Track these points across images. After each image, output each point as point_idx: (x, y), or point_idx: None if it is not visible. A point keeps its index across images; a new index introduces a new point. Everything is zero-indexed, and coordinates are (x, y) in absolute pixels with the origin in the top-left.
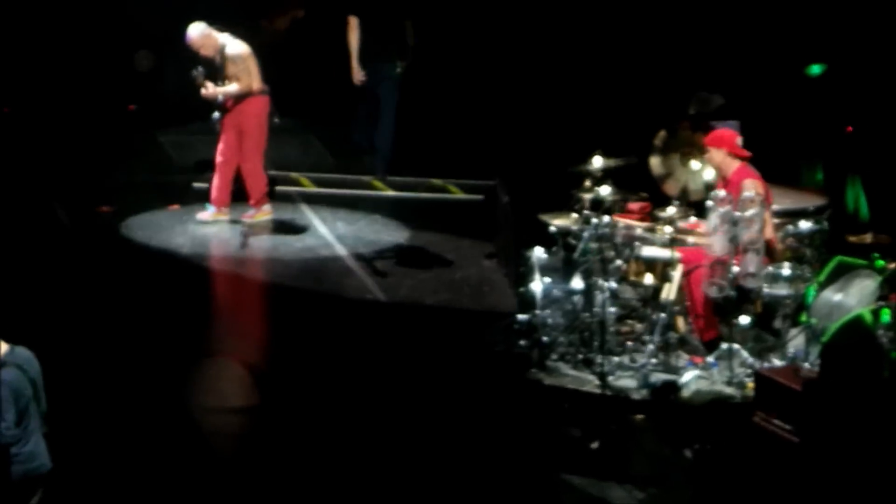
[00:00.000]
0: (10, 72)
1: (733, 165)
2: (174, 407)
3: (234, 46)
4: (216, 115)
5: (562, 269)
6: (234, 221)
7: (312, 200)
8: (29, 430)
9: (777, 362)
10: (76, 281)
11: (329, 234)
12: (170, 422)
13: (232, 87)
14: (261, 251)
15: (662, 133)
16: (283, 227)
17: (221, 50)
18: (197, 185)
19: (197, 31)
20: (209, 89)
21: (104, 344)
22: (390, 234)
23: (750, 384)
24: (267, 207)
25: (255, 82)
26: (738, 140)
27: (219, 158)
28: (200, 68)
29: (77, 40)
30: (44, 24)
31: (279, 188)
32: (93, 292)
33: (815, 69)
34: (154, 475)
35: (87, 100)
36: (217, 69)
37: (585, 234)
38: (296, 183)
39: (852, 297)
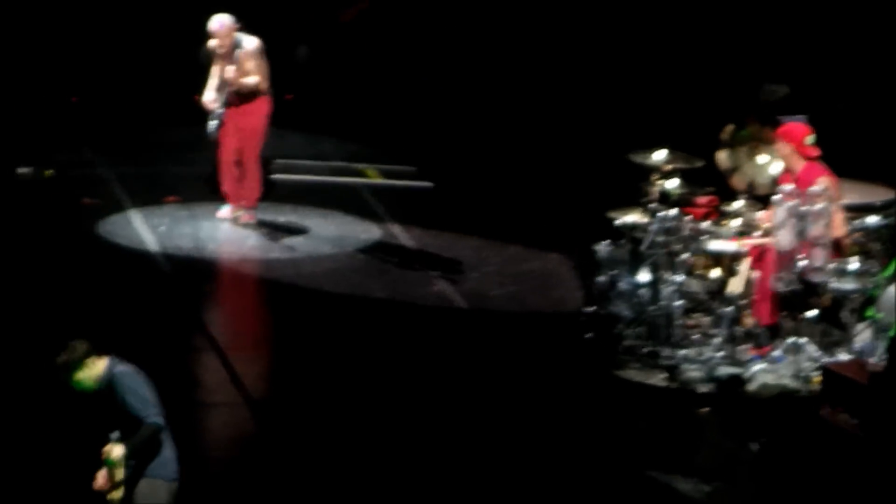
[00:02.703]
0: (79, 60)
1: (800, 163)
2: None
3: (252, 41)
4: (213, 124)
5: (629, 263)
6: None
7: (380, 193)
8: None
9: (844, 357)
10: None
11: (395, 225)
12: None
13: (252, 80)
14: (325, 243)
15: (730, 127)
16: (348, 219)
17: (238, 44)
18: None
19: (229, 20)
20: (213, 98)
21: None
22: (454, 225)
23: (816, 378)
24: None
25: (266, 80)
26: (810, 138)
27: (231, 157)
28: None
29: (144, 28)
30: (112, 14)
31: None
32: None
33: None
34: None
35: (152, 89)
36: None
37: (652, 228)
38: (362, 174)
39: None
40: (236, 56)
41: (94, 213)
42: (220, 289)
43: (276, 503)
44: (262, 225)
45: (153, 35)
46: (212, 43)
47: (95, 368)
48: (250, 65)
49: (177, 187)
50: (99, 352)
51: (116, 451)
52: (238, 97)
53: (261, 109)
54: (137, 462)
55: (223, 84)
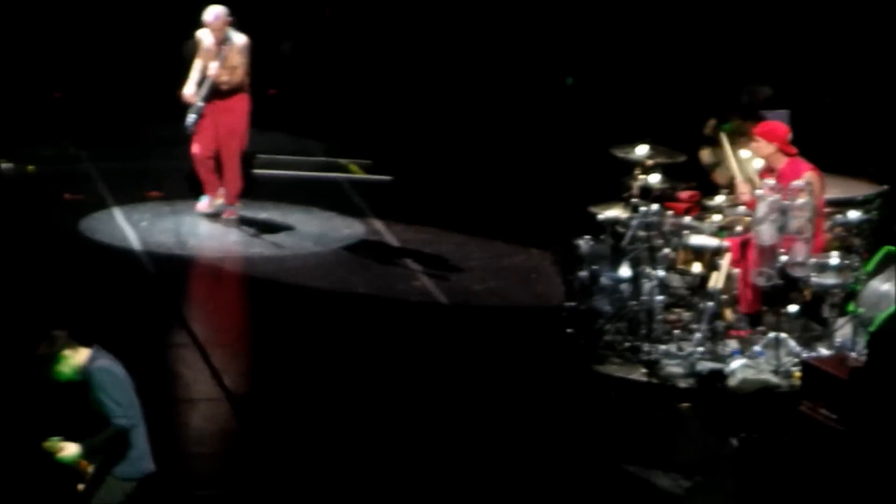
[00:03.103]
0: (61, 56)
1: (783, 160)
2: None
3: (241, 38)
4: (192, 117)
5: (610, 257)
6: (217, 215)
7: (363, 187)
8: (138, 426)
9: (824, 351)
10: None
11: (377, 220)
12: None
13: (235, 76)
14: (307, 239)
15: (712, 122)
16: (331, 214)
17: (227, 39)
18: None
19: (224, 13)
20: (193, 91)
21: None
22: (437, 220)
23: (796, 373)
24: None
25: (248, 78)
26: (789, 135)
27: (205, 153)
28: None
29: (126, 23)
30: (95, 9)
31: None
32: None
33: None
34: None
35: (135, 85)
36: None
37: (634, 223)
38: (344, 169)
39: None
40: (223, 50)
41: (75, 208)
42: (202, 285)
43: (256, 498)
44: (244, 221)
45: (136, 30)
46: (199, 34)
47: (76, 358)
48: (236, 60)
49: (159, 183)
50: (81, 342)
51: (71, 449)
52: (219, 92)
53: (241, 107)
54: (104, 459)
55: (204, 78)
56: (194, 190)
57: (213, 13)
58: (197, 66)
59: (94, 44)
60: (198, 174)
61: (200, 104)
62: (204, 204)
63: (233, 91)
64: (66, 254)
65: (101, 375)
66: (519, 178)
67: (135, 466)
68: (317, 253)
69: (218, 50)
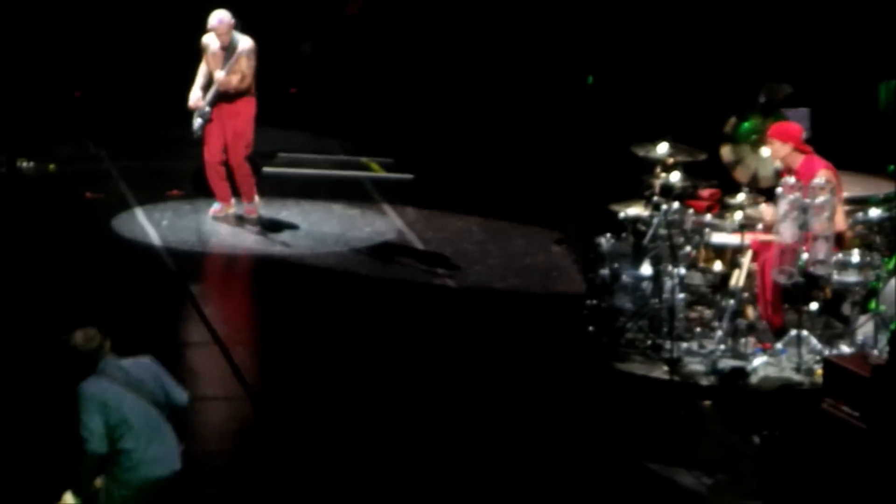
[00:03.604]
0: (82, 55)
1: (799, 158)
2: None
3: (247, 41)
4: (199, 121)
5: (631, 255)
6: (239, 217)
7: (383, 185)
8: (130, 441)
9: (846, 349)
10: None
11: (398, 219)
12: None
13: (243, 81)
14: (327, 237)
15: (733, 120)
16: (352, 213)
17: (234, 43)
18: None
19: (228, 17)
20: (198, 96)
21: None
22: (458, 219)
23: (818, 371)
24: (257, 199)
25: (254, 81)
26: (804, 134)
27: (216, 158)
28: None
29: (147, 22)
30: (116, 8)
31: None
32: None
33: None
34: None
35: (155, 84)
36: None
37: (655, 221)
38: (366, 168)
39: None
40: (231, 55)
41: (96, 207)
42: (222, 283)
43: (276, 497)
44: (264, 219)
45: (156, 29)
46: (205, 39)
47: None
48: (243, 65)
49: (180, 182)
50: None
51: (67, 499)
52: (225, 97)
53: (247, 110)
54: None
55: (210, 82)
56: (200, 190)
57: (217, 17)
58: (202, 70)
59: (115, 43)
60: (209, 181)
61: (207, 109)
62: (217, 209)
63: (239, 95)
64: (88, 252)
65: (79, 398)
66: (541, 176)
67: (133, 474)
68: (337, 252)
69: (224, 54)
